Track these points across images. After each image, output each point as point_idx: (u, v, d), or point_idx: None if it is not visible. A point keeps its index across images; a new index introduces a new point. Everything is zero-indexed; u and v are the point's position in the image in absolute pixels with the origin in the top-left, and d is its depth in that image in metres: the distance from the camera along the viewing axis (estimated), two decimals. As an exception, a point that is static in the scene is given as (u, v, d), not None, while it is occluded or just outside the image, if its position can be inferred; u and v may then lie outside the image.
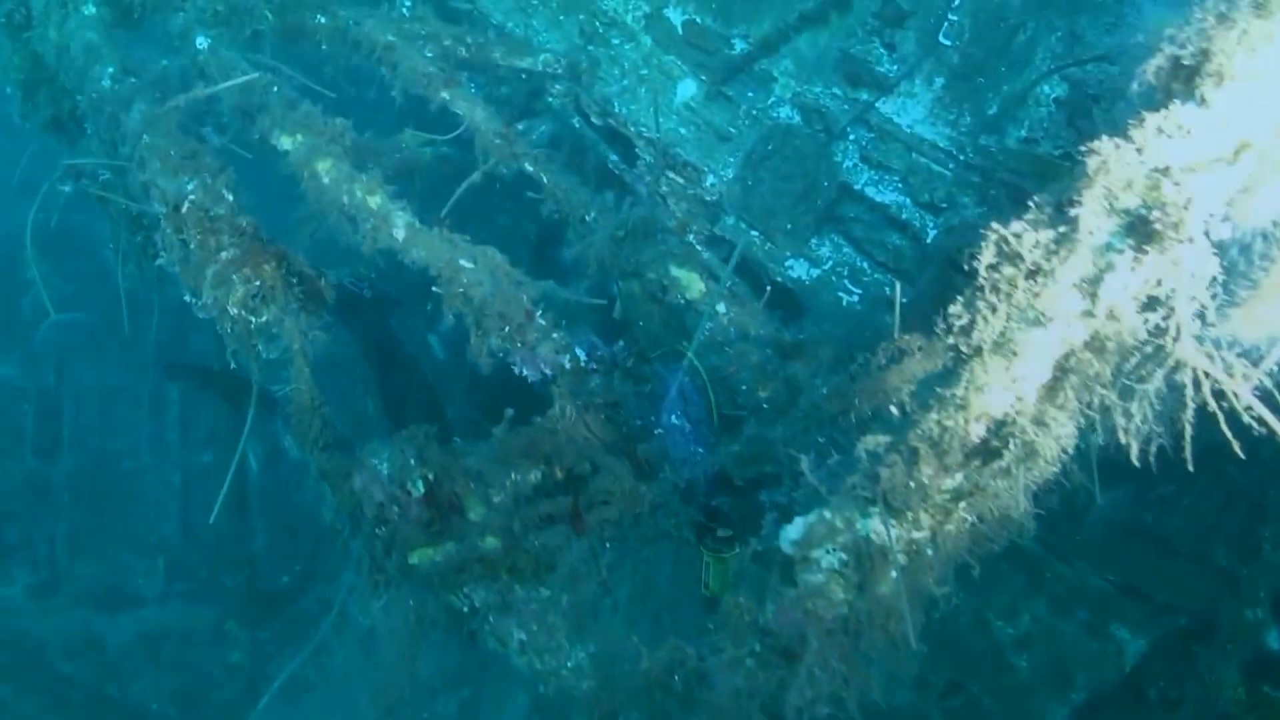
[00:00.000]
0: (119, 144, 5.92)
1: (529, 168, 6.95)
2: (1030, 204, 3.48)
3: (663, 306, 6.67)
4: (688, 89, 8.12)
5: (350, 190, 6.07)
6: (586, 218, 6.82)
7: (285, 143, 6.29)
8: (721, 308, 6.41)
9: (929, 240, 7.32)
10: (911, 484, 3.75)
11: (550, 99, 8.45)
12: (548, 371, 5.69)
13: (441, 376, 12.10)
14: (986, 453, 3.71)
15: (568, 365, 5.63)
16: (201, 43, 6.54)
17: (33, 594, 13.31)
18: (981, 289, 3.52)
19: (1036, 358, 3.54)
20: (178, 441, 14.21)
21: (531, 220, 7.60)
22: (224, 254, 5.32)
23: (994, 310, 3.51)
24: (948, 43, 7.43)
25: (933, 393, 3.74)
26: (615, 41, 8.34)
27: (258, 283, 5.24)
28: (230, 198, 5.61)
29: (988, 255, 3.48)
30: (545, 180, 6.89)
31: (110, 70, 6.09)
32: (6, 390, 14.27)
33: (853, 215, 7.66)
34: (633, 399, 5.39)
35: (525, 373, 5.75)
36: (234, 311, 5.22)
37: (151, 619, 13.24)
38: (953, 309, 3.57)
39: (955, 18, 7.42)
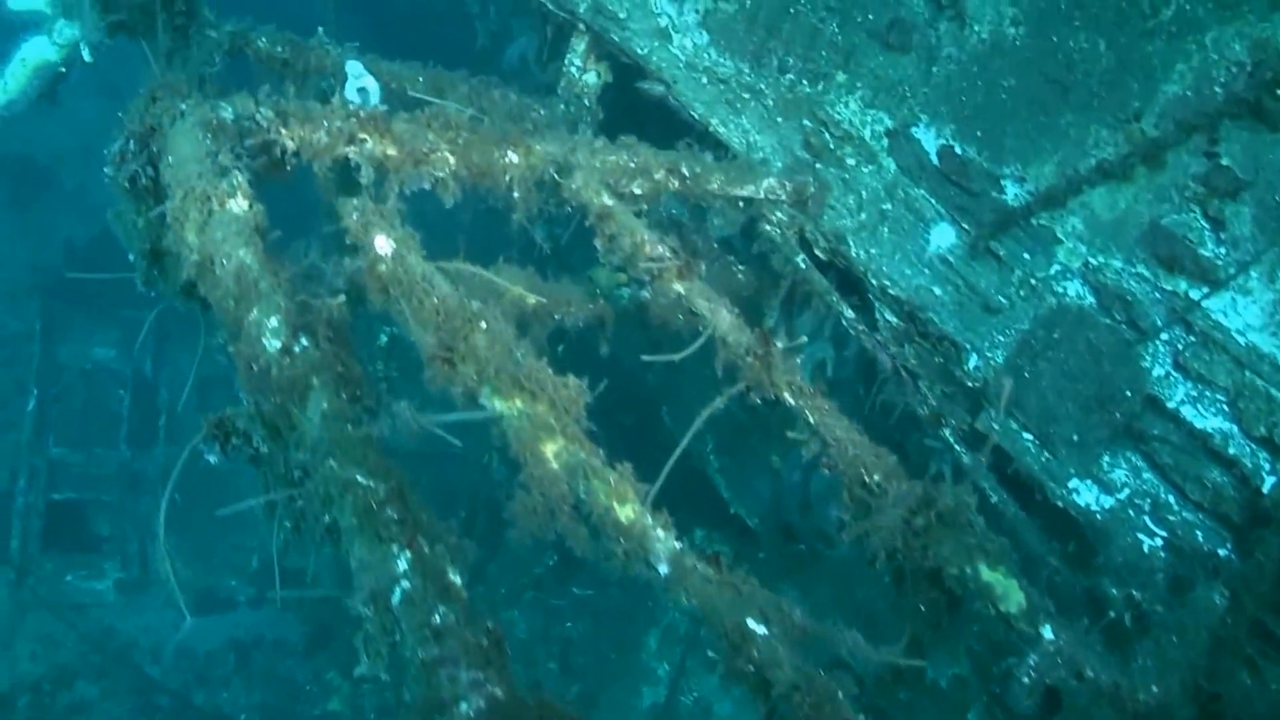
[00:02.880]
0: (290, 443, 3.70)
1: (790, 400, 4.74)
2: None
3: (959, 613, 4.54)
4: (944, 236, 5.83)
5: (590, 489, 3.92)
6: (869, 480, 4.61)
7: (497, 405, 4.08)
8: (1048, 632, 4.27)
9: (1266, 490, 5.11)
10: None
11: (768, 228, 6.15)
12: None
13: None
14: None
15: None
16: (384, 246, 4.27)
17: (122, 590, 11.36)
18: None
19: None
20: (276, 434, 12.12)
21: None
22: (464, 706, 3.16)
23: None
24: (1301, 231, 5.16)
25: None
26: (850, 161, 6.02)
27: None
28: (459, 581, 3.44)
29: None
30: (813, 420, 4.68)
31: (273, 323, 3.85)
32: (103, 375, 12.16)
33: (1158, 433, 5.42)
34: None
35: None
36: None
37: (243, 624, 11.33)
38: None
39: (1313, 199, 5.14)
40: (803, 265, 6.13)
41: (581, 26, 6.90)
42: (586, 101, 7.10)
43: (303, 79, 6.12)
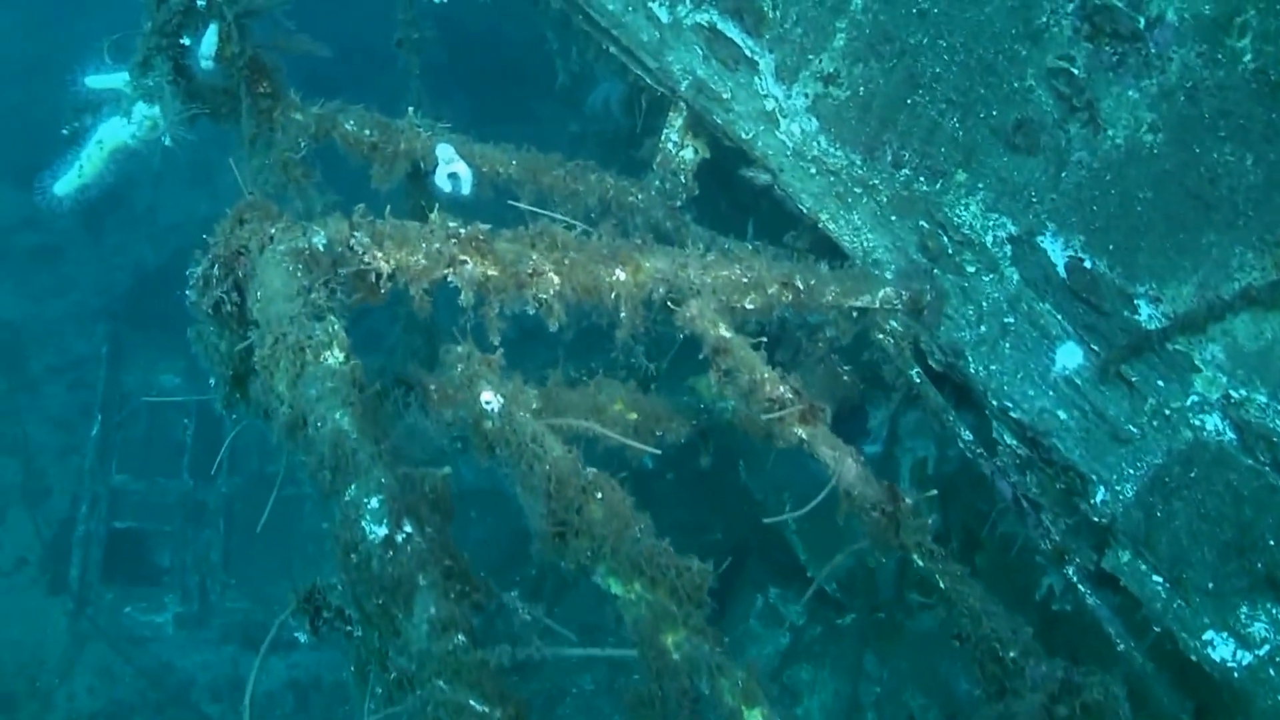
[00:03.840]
0: (392, 648, 3.27)
1: (919, 560, 4.27)
2: None
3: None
4: (1071, 357, 5.33)
5: (715, 687, 3.51)
6: (1004, 655, 4.14)
7: (613, 586, 3.65)
8: None
9: None
10: None
11: (881, 336, 5.67)
12: None
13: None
14: None
15: None
16: (491, 401, 3.84)
17: (182, 625, 11.00)
18: None
19: None
20: (341, 468, 11.67)
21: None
22: None
23: None
24: None
25: None
26: (970, 269, 5.53)
27: None
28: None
29: None
30: (944, 585, 4.20)
31: (374, 505, 3.40)
32: (168, 402, 11.80)
33: (1303, 583, 4.93)
34: None
35: None
36: None
37: (303, 664, 10.91)
38: None
39: None
40: (917, 380, 5.64)
41: (682, 104, 6.43)
42: (683, 178, 6.64)
43: (391, 163, 5.68)
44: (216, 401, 4.64)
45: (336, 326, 3.85)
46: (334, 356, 3.81)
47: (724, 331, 4.66)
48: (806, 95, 6.01)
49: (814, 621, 9.69)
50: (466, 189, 5.64)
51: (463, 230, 4.54)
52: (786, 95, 6.06)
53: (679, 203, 6.63)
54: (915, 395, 5.73)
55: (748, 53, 6.13)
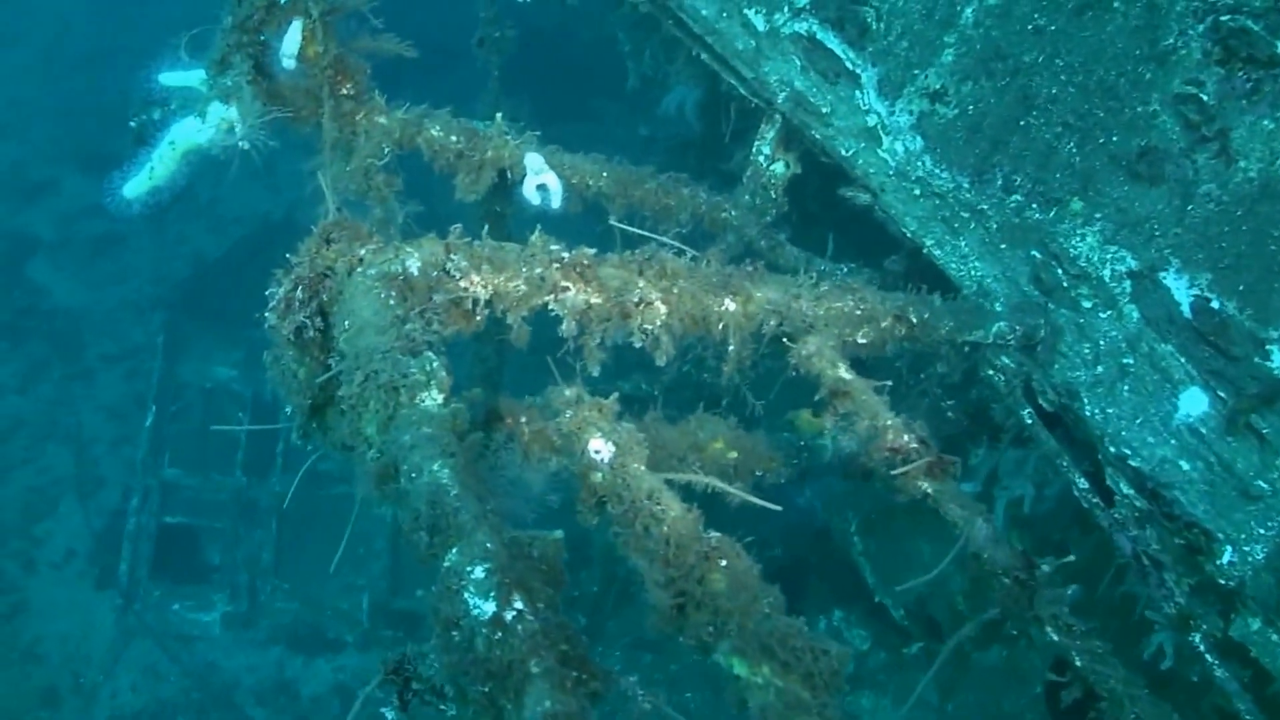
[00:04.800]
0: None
1: (1053, 635, 3.80)
2: None
3: None
4: (1196, 403, 4.81)
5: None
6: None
7: (738, 668, 3.27)
8: None
9: None
10: None
11: (991, 373, 5.18)
12: None
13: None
14: None
15: None
16: (602, 451, 3.37)
17: (229, 624, 10.58)
18: None
19: None
20: (394, 470, 11.20)
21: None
22: None
23: None
24: None
25: None
26: (1086, 304, 5.03)
27: None
28: None
29: None
30: (1080, 663, 3.72)
31: (478, 575, 2.93)
32: (224, 396, 11.39)
33: None
34: None
35: None
36: None
37: (350, 668, 10.50)
38: None
39: None
40: (1029, 420, 5.15)
41: (776, 117, 5.95)
42: (773, 193, 6.17)
43: (478, 172, 5.22)
44: (293, 432, 4.18)
45: (435, 364, 3.39)
46: (432, 398, 3.34)
47: (844, 373, 4.19)
48: (911, 112, 5.54)
49: (878, 648, 9.20)
50: (556, 202, 5.17)
51: (566, 254, 4.07)
52: (890, 111, 5.59)
53: (769, 218, 6.18)
54: (1026, 437, 5.23)
55: (849, 65, 5.67)
